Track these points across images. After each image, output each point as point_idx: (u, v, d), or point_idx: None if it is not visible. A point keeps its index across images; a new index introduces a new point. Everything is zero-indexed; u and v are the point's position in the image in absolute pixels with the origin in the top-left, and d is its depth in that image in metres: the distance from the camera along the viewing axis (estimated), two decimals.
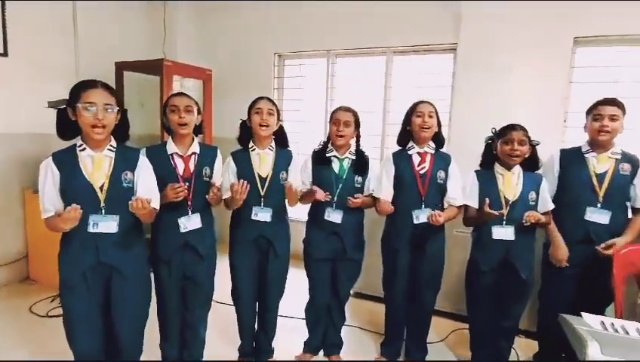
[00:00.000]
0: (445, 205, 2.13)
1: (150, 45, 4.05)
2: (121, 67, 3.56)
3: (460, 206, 2.12)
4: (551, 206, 2.05)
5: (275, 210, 2.04)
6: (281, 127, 2.11)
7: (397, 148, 2.22)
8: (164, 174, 1.80)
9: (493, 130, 2.07)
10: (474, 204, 2.09)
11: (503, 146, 2.00)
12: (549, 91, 3.02)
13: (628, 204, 2.06)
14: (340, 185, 2.12)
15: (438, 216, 1.94)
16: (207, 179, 1.91)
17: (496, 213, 1.89)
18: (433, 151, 2.14)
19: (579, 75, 3.01)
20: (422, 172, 2.10)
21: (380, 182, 2.15)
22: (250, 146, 2.05)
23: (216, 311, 2.24)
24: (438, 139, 2.17)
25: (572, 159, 2.12)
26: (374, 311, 2.84)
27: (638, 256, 1.68)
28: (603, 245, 1.96)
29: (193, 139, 1.92)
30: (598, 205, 2.02)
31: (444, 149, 2.22)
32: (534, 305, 2.32)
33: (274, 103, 2.05)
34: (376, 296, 2.91)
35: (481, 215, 2.00)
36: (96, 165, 1.56)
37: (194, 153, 1.90)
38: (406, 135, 2.17)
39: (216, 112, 3.92)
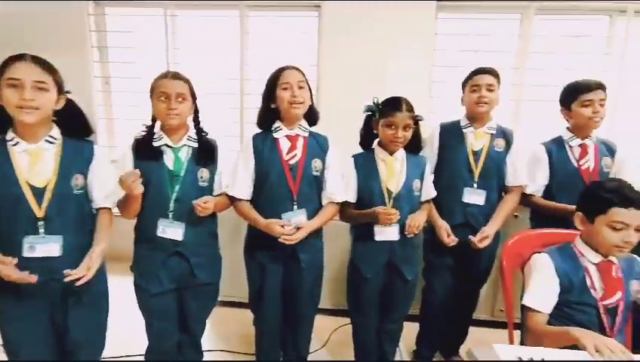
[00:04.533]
0: (324, 201, 1.69)
1: None
2: None
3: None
4: (433, 193, 1.81)
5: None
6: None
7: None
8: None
9: (375, 101, 1.69)
10: (353, 198, 1.71)
11: (385, 130, 1.65)
12: (414, 57, 2.82)
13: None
14: (177, 187, 1.49)
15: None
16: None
17: (392, 216, 1.59)
18: (307, 134, 1.66)
19: (444, 42, 2.88)
20: (292, 162, 1.61)
21: (235, 176, 1.60)
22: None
23: None
24: (311, 116, 1.69)
25: (451, 135, 1.90)
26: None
27: (524, 246, 1.53)
28: (477, 237, 1.81)
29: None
30: (474, 185, 1.86)
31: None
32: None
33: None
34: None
35: (363, 214, 1.65)
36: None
37: None
38: (270, 113, 1.63)
39: None
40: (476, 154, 1.86)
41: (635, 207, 1.24)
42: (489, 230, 1.82)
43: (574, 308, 1.33)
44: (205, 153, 1.54)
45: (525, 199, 1.97)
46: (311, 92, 1.65)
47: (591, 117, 1.79)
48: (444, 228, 1.85)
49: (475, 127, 1.87)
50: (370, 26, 2.78)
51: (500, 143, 1.87)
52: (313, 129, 1.70)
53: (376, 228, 1.68)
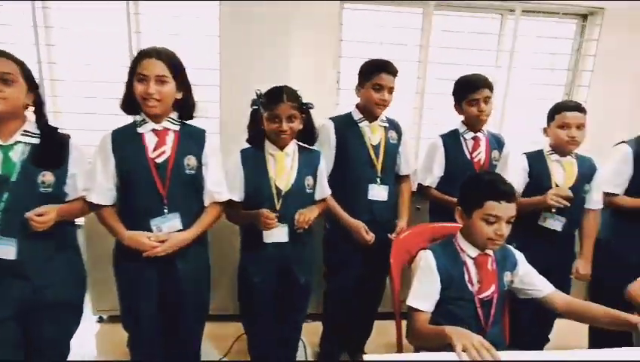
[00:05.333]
0: (206, 202, 1.51)
1: None
2: None
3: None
4: (328, 192, 1.73)
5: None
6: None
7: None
8: None
9: (258, 93, 1.55)
10: (239, 197, 1.57)
11: (269, 123, 1.53)
12: (322, 47, 2.72)
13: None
14: (6, 195, 1.23)
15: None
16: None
17: (271, 222, 1.48)
18: (178, 127, 1.45)
19: (350, 34, 2.81)
20: (160, 160, 1.40)
21: (93, 179, 1.37)
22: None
23: None
24: (185, 109, 1.48)
25: (347, 129, 1.84)
26: None
27: (412, 243, 1.50)
28: (394, 235, 1.78)
29: None
30: (378, 181, 1.83)
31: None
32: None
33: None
34: None
35: (248, 215, 1.52)
36: None
37: None
38: (132, 102, 1.41)
39: None
40: (375, 148, 1.82)
41: (506, 200, 1.25)
42: (403, 223, 1.83)
43: (454, 303, 1.32)
44: (49, 152, 1.28)
45: (422, 191, 1.99)
46: (186, 83, 1.44)
47: (477, 115, 1.84)
48: (361, 226, 1.79)
49: (369, 120, 1.82)
50: (273, 17, 2.62)
51: (393, 135, 1.86)
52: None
53: (265, 231, 1.55)
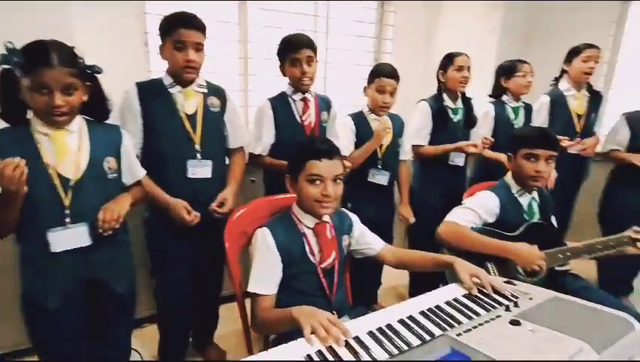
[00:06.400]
0: None
1: None
2: None
3: None
4: (141, 173, 1.42)
5: None
6: None
7: None
8: None
9: (9, 48, 1.09)
10: None
11: (32, 95, 1.12)
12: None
13: None
14: None
15: None
16: None
17: None
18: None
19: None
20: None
21: None
22: None
23: None
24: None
25: (155, 96, 1.52)
26: None
27: (248, 221, 1.34)
28: (215, 203, 1.58)
29: None
30: (198, 156, 1.57)
31: None
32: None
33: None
34: None
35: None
36: None
37: None
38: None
39: None
40: (191, 118, 1.55)
41: (327, 158, 1.20)
42: (225, 194, 1.61)
43: (297, 278, 1.24)
44: None
45: (253, 160, 1.85)
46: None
47: (299, 76, 1.76)
48: (181, 205, 1.51)
49: (182, 85, 1.53)
50: None
51: (214, 102, 1.62)
52: None
53: (51, 235, 1.16)
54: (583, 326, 0.89)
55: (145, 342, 2.01)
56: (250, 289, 1.18)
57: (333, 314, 1.00)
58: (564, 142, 2.26)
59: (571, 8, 2.98)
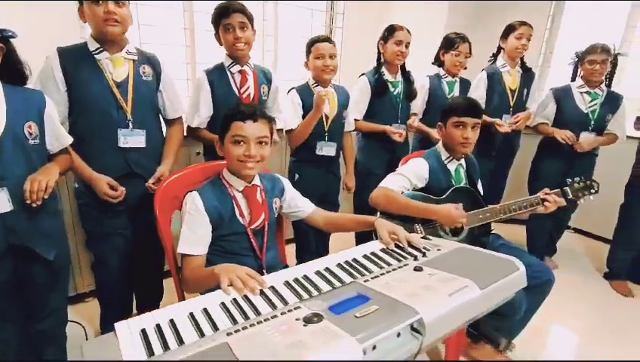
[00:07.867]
0: None
1: None
2: None
3: None
4: (67, 141, 1.39)
5: None
6: None
7: None
8: None
9: None
10: None
11: None
12: None
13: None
14: None
15: None
16: None
17: None
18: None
19: None
20: None
21: None
22: None
23: None
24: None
25: (80, 63, 1.46)
26: None
27: (180, 187, 1.35)
28: (152, 180, 1.57)
29: None
30: (129, 125, 1.54)
31: None
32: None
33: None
34: None
35: None
36: None
37: None
38: None
39: None
40: (121, 86, 1.51)
41: (251, 120, 1.24)
42: (163, 169, 1.60)
43: (227, 239, 1.28)
44: None
45: (190, 133, 1.85)
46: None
47: (233, 42, 1.74)
48: (104, 181, 1.49)
49: (110, 52, 1.49)
50: None
51: (147, 70, 1.58)
52: None
53: None
54: (475, 268, 0.99)
55: (89, 316, 2.00)
56: (179, 250, 1.21)
57: (263, 274, 1.04)
58: (497, 125, 2.42)
59: None
